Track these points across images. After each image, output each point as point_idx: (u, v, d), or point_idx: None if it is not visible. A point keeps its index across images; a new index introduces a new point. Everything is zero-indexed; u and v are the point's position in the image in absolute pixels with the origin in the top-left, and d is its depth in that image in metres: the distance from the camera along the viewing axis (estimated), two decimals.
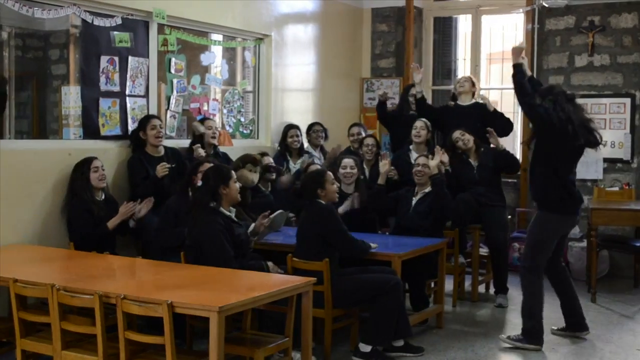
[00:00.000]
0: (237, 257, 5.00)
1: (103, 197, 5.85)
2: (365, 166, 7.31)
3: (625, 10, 8.39)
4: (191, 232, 5.08)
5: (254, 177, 6.40)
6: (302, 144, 7.85)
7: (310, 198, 5.49)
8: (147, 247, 5.85)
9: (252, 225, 5.68)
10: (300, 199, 5.61)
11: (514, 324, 6.46)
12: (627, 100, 8.41)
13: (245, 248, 5.19)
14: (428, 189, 6.47)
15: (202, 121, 6.90)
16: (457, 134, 7.14)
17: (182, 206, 5.54)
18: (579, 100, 7.96)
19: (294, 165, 7.65)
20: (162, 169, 6.09)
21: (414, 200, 6.50)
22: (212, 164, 5.76)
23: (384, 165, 6.66)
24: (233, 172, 5.31)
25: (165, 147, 6.42)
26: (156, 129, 6.26)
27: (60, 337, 4.16)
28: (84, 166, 5.74)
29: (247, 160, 6.39)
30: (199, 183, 5.46)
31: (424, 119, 7.48)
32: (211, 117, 7.29)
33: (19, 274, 4.37)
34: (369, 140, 7.56)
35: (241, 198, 5.42)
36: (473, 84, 7.73)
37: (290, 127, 7.85)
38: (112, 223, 5.68)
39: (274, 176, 6.88)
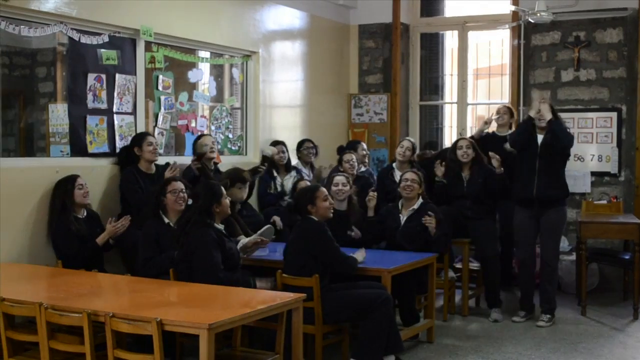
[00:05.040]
0: (227, 271, 5.01)
1: (85, 214, 5.83)
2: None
3: (610, 25, 8.46)
4: (182, 245, 5.07)
5: (243, 193, 6.43)
6: (289, 160, 7.84)
7: (302, 214, 5.49)
8: (135, 263, 5.80)
9: (241, 241, 5.66)
10: (294, 214, 5.62)
11: (505, 338, 6.45)
12: (614, 114, 8.46)
13: (236, 262, 5.18)
14: (416, 206, 6.48)
15: (199, 138, 6.92)
16: (462, 142, 7.18)
17: (160, 231, 5.48)
18: (566, 115, 8.13)
19: (282, 181, 7.63)
20: (171, 173, 6.11)
21: (403, 218, 6.50)
22: (179, 182, 5.72)
23: (372, 201, 6.65)
24: (223, 188, 5.31)
25: (157, 165, 6.42)
26: (152, 145, 6.28)
27: (48, 356, 4.11)
28: (68, 184, 5.72)
29: (236, 179, 6.37)
30: (190, 201, 5.45)
31: (411, 139, 7.62)
32: (192, 134, 7.28)
33: (6, 293, 4.32)
34: (347, 157, 7.58)
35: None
36: (512, 114, 7.70)
37: (276, 144, 7.84)
38: (101, 239, 5.67)
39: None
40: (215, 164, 7.01)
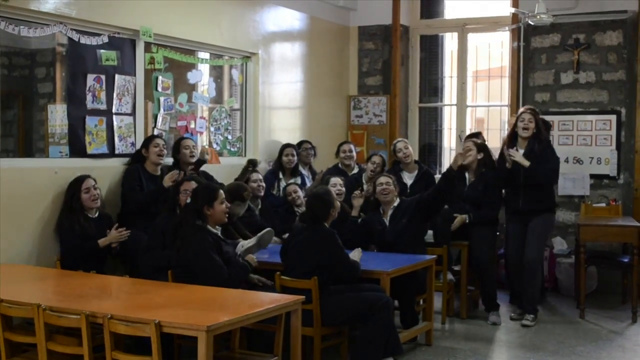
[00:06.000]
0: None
1: (97, 214, 5.84)
2: (365, 182, 7.32)
3: (610, 28, 8.45)
4: (180, 250, 5.06)
5: (242, 209, 6.39)
6: (297, 164, 7.80)
7: (320, 220, 5.44)
8: (135, 266, 5.81)
9: (240, 244, 5.66)
10: (310, 223, 5.48)
11: (504, 341, 6.46)
12: (613, 117, 8.45)
13: (235, 266, 5.17)
14: (396, 203, 6.50)
15: (179, 141, 6.80)
16: (468, 142, 7.21)
17: (169, 225, 5.52)
18: (565, 117, 8.09)
19: (286, 185, 7.59)
20: (170, 179, 6.09)
21: (387, 218, 6.49)
22: (192, 181, 5.76)
23: (359, 200, 6.64)
24: (221, 192, 5.28)
25: (162, 169, 6.44)
26: (159, 147, 6.33)
27: (46, 357, 4.10)
28: (75, 186, 5.74)
29: (236, 197, 6.30)
30: (188, 200, 5.46)
31: (402, 139, 7.74)
32: (192, 135, 7.25)
33: (4, 294, 4.31)
34: (377, 159, 7.59)
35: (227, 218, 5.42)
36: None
37: (287, 146, 7.81)
38: (103, 242, 5.69)
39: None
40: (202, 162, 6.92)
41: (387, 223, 6.47)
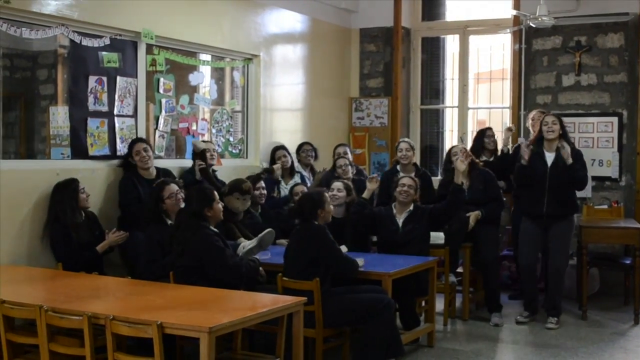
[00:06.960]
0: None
1: (83, 217, 5.82)
2: None
3: (612, 30, 8.46)
4: (184, 252, 5.06)
5: (240, 204, 6.31)
6: (292, 164, 7.82)
7: (308, 219, 5.47)
8: (137, 266, 5.79)
9: (241, 245, 5.65)
10: (298, 219, 5.56)
11: (506, 342, 6.45)
12: (615, 119, 8.45)
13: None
14: (411, 208, 6.48)
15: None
16: (456, 149, 7.19)
17: (163, 234, 5.49)
18: (567, 120, 8.11)
19: (286, 186, 7.60)
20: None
21: (400, 220, 6.48)
22: (175, 184, 5.75)
23: (374, 184, 6.65)
24: (215, 192, 5.30)
25: (158, 168, 6.41)
26: (140, 154, 6.25)
27: (48, 359, 4.10)
28: (71, 187, 5.70)
29: (235, 189, 6.30)
30: (182, 204, 5.47)
31: (408, 140, 7.60)
32: (200, 137, 7.28)
33: (6, 295, 4.32)
34: (341, 162, 7.57)
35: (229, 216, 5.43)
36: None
37: (277, 148, 7.82)
38: (101, 247, 5.68)
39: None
40: (214, 170, 6.95)
41: (400, 225, 6.45)
